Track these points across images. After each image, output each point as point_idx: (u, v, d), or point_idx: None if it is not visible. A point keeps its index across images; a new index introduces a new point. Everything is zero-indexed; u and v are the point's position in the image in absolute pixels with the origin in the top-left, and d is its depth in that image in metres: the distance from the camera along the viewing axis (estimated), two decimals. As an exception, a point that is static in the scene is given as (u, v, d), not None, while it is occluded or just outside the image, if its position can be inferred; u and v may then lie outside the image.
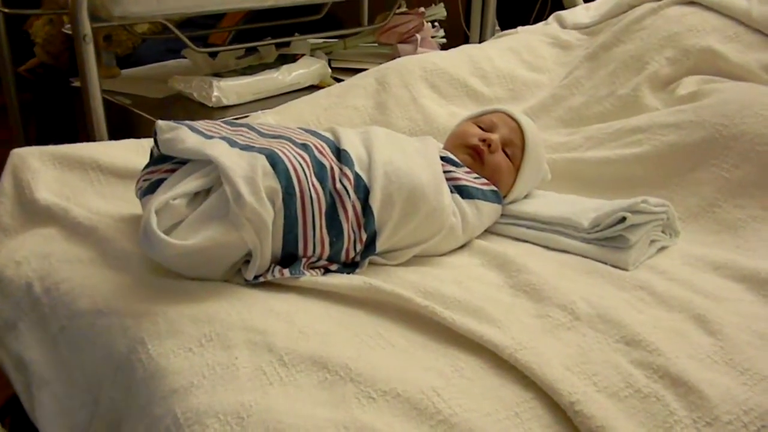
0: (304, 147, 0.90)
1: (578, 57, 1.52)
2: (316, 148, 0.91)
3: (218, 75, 1.66)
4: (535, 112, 1.43)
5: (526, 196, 1.14)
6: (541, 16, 2.19)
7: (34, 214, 1.04)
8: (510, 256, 0.94)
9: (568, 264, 0.96)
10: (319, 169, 0.88)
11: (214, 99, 1.55)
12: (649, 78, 1.34)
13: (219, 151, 0.84)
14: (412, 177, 0.93)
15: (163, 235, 0.78)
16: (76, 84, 1.74)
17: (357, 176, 0.90)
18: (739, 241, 1.02)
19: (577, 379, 0.70)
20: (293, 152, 0.88)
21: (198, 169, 0.86)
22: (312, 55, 1.87)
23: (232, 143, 0.88)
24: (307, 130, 0.98)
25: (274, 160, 0.84)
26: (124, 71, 1.88)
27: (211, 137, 0.90)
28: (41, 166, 1.09)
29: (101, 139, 1.35)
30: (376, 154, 0.93)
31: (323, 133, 0.98)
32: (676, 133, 1.14)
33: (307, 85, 1.75)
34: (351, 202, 0.89)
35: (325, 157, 0.90)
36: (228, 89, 1.58)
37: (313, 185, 0.86)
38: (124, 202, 1.08)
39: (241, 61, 1.86)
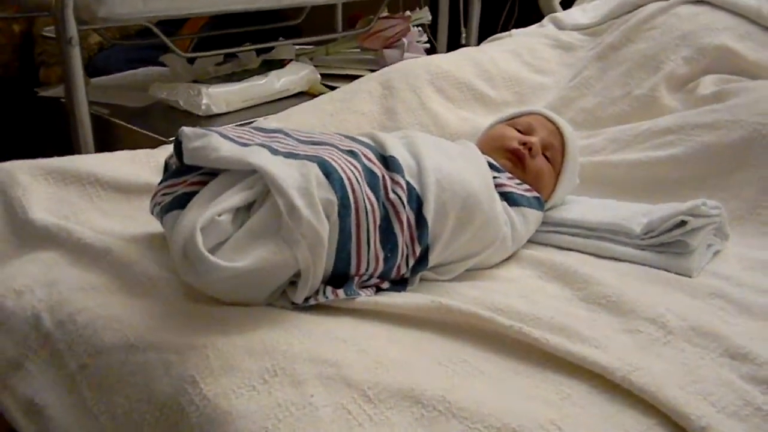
0: (352, 154, 0.81)
1: (584, 58, 1.48)
2: (364, 155, 0.82)
3: (201, 82, 1.55)
4: (546, 115, 1.38)
5: (562, 202, 1.08)
6: (506, 27, 2.15)
7: (30, 236, 0.91)
8: (568, 267, 0.88)
9: (626, 272, 0.90)
10: (371, 178, 0.80)
11: (203, 107, 1.44)
12: (666, 78, 1.31)
13: (264, 159, 0.75)
14: (464, 184, 0.85)
15: (212, 257, 0.68)
16: (46, 94, 1.60)
17: (409, 185, 0.82)
18: (790, 243, 0.99)
19: (695, 401, 0.63)
20: (343, 160, 0.79)
21: (238, 181, 0.76)
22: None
23: (273, 151, 0.79)
24: (346, 136, 0.89)
25: (327, 169, 0.75)
26: (93, 80, 1.74)
27: (246, 145, 0.80)
28: (33, 182, 0.97)
29: (89, 153, 1.23)
30: (425, 161, 0.85)
31: (363, 139, 0.89)
32: (711, 133, 1.10)
33: (296, 91, 1.66)
34: (405, 213, 0.80)
35: (374, 164, 0.82)
36: (217, 96, 1.47)
37: (367, 196, 0.78)
38: (132, 220, 0.97)
39: (221, 68, 1.75)
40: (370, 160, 0.82)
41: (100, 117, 1.48)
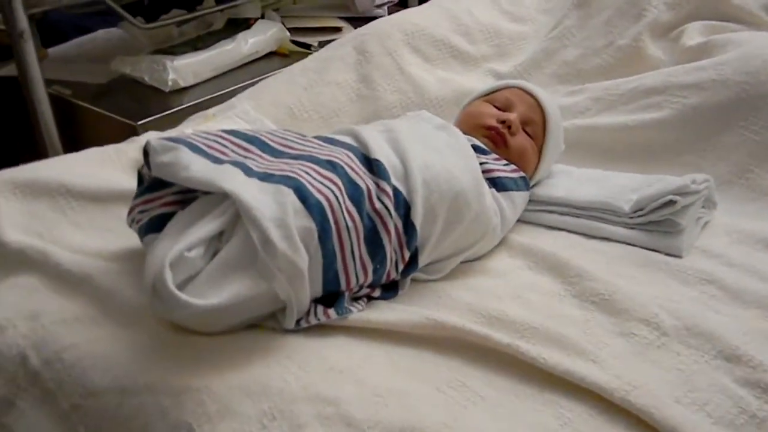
0: (332, 166, 0.78)
1: (563, 4, 1.42)
2: (346, 164, 0.79)
3: (166, 51, 1.47)
4: (527, 68, 1.34)
5: (548, 176, 1.05)
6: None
7: (5, 260, 0.88)
8: (559, 257, 0.87)
9: (616, 255, 0.90)
10: (353, 191, 0.77)
11: (170, 82, 1.38)
12: (649, 26, 1.26)
13: (236, 183, 0.71)
14: (452, 182, 0.83)
15: (182, 296, 0.66)
16: (1, 73, 1.51)
17: (395, 191, 0.79)
18: (780, 208, 0.98)
19: (691, 413, 0.64)
20: (321, 178, 0.75)
21: (211, 205, 0.73)
22: (262, 17, 1.69)
23: (248, 170, 0.75)
24: (326, 140, 0.85)
25: (303, 195, 0.72)
26: (51, 51, 1.65)
27: (219, 160, 0.77)
28: (0, 198, 0.93)
29: (54, 149, 1.17)
30: (411, 160, 0.82)
31: (343, 139, 0.85)
32: (698, 95, 1.07)
33: (265, 53, 1.59)
34: (393, 222, 0.78)
35: (358, 175, 0.79)
36: (184, 69, 1.40)
37: (347, 212, 0.75)
38: (108, 232, 0.93)
39: (184, 30, 1.67)
40: (353, 169, 0.79)
41: (62, 98, 1.41)
